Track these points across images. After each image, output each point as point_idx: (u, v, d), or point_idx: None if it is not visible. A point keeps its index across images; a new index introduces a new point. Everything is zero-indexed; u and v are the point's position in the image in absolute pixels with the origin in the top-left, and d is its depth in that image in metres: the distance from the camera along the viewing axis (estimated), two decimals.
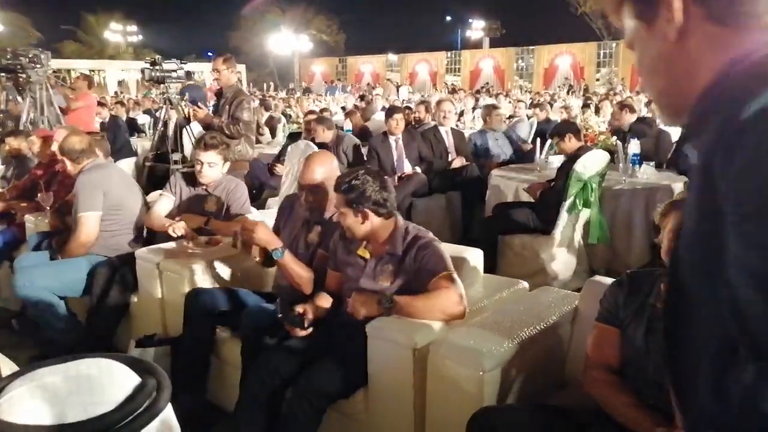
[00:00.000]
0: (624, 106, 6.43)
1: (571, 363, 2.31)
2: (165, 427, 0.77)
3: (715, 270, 0.62)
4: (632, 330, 1.94)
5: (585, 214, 4.21)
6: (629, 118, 6.27)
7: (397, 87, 20.34)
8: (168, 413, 0.78)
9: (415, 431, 2.21)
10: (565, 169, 4.21)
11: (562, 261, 4.28)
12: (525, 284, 2.73)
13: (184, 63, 5.65)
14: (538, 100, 12.89)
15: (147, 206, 3.74)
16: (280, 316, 2.39)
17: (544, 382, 2.28)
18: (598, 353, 1.99)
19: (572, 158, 4.23)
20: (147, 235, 3.69)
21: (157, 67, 5.39)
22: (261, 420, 2.32)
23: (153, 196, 4.04)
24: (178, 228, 3.25)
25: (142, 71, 5.47)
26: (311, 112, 8.35)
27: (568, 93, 20.79)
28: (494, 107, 7.15)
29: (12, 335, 3.67)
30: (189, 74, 6.12)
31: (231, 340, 2.75)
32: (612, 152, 4.85)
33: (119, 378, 0.76)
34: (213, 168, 3.47)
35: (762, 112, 0.58)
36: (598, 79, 27.73)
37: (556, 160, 4.98)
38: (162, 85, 5.51)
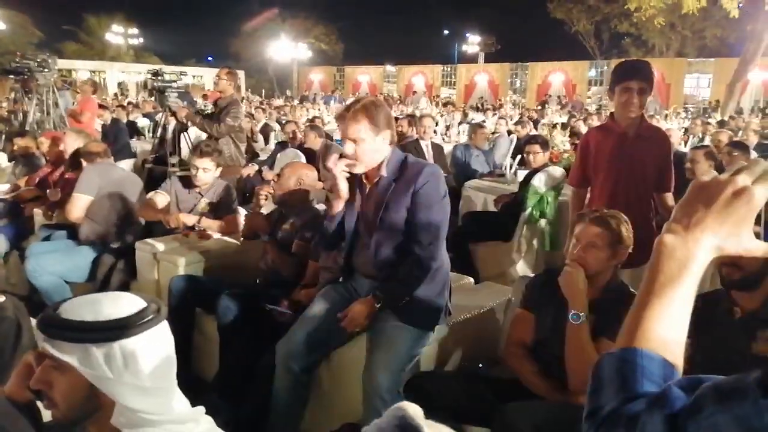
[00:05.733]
0: (573, 133, 7.00)
1: (503, 344, 2.73)
2: (165, 333, 1.21)
3: None
4: (544, 315, 2.37)
5: (542, 223, 4.66)
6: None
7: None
8: (165, 325, 1.22)
9: None
10: (526, 183, 4.67)
11: (521, 266, 4.72)
12: (470, 279, 3.16)
13: (184, 74, 6.08)
14: (527, 116, 13.41)
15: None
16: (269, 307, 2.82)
17: (478, 359, 2.70)
18: (516, 332, 2.42)
19: (534, 173, 4.69)
20: (146, 229, 4.11)
21: (159, 77, 5.83)
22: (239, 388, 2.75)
23: (150, 195, 4.46)
24: (172, 220, 3.69)
25: (145, 82, 5.89)
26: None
27: (561, 107, 21.26)
28: (480, 126, 7.52)
29: None
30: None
31: (210, 319, 3.14)
32: None
33: (134, 300, 1.20)
34: (207, 173, 3.89)
35: None
36: (589, 97, 28.29)
37: (522, 175, 5.43)
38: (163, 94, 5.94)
